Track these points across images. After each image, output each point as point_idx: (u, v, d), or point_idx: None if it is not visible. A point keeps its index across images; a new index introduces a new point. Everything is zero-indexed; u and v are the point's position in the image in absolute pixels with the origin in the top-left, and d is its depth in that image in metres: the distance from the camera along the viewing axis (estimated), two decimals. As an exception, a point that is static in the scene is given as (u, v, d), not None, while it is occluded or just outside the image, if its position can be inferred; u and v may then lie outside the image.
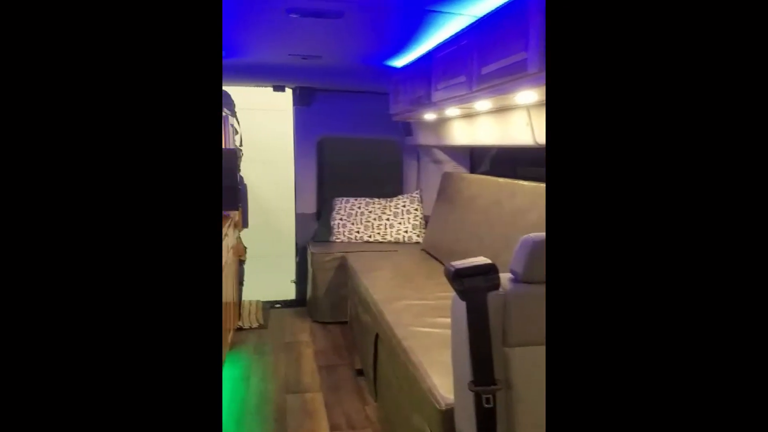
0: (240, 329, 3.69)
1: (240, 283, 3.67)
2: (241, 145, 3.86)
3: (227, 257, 2.88)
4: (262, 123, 4.40)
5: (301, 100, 4.12)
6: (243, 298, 3.91)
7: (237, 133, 3.80)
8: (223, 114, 3.24)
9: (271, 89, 4.15)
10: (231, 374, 3.02)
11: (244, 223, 3.72)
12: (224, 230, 2.76)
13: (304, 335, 3.68)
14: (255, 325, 3.79)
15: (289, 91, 4.16)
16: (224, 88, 3.67)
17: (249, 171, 4.16)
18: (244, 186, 3.70)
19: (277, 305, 4.28)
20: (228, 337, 3.09)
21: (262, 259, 4.20)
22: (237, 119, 3.78)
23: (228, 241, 2.94)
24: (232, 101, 3.68)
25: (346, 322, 3.62)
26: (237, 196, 3.09)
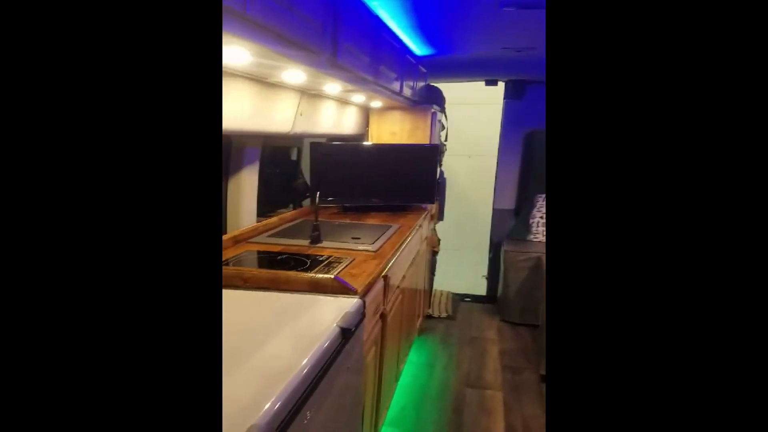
0: (429, 317, 3.83)
1: (432, 273, 3.80)
2: (445, 140, 3.97)
3: (421, 247, 3.01)
4: (471, 117, 4.46)
5: (513, 94, 4.06)
6: (434, 288, 4.04)
7: (444, 128, 3.92)
8: (432, 110, 3.37)
9: (483, 83, 4.18)
10: (416, 359, 3.16)
11: (440, 216, 3.83)
12: (419, 221, 2.88)
13: (491, 332, 3.65)
14: (444, 315, 3.89)
15: (501, 85, 4.13)
16: (436, 84, 3.82)
17: (453, 164, 4.27)
18: (444, 180, 3.80)
19: (467, 299, 4.32)
20: (417, 322, 3.23)
21: (456, 252, 4.28)
22: (445, 114, 3.89)
23: (422, 232, 3.07)
24: (443, 97, 3.80)
25: (537, 326, 3.48)
26: (433, 191, 3.20)
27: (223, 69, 1.53)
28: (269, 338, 1.18)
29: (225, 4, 0.94)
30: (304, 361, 1.05)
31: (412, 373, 2.98)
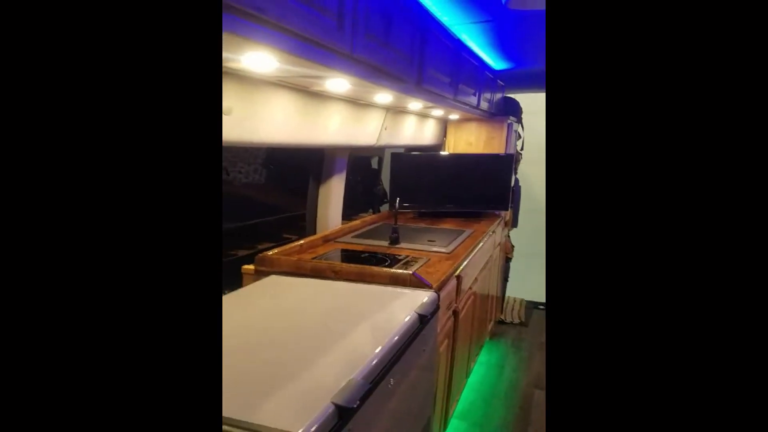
0: (501, 322, 3.94)
1: (505, 279, 3.91)
2: (521, 149, 4.07)
3: (494, 252, 3.15)
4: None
5: None
6: (507, 294, 4.14)
7: (520, 138, 4.03)
8: (508, 121, 3.51)
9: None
10: (487, 360, 3.30)
11: (514, 223, 3.93)
12: (492, 227, 3.03)
13: (562, 340, 3.70)
14: (516, 321, 3.98)
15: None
16: (512, 95, 3.94)
17: (530, 172, 4.34)
18: (519, 188, 3.91)
19: (541, 306, 4.37)
20: (489, 326, 3.37)
21: (531, 259, 4.35)
22: (522, 125, 4.00)
23: (496, 238, 3.21)
24: (520, 108, 3.91)
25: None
26: (508, 198, 3.33)
27: (326, 94, 1.80)
28: (360, 319, 1.41)
29: (335, 48, 1.19)
30: (388, 337, 1.27)
31: (482, 372, 3.12)
